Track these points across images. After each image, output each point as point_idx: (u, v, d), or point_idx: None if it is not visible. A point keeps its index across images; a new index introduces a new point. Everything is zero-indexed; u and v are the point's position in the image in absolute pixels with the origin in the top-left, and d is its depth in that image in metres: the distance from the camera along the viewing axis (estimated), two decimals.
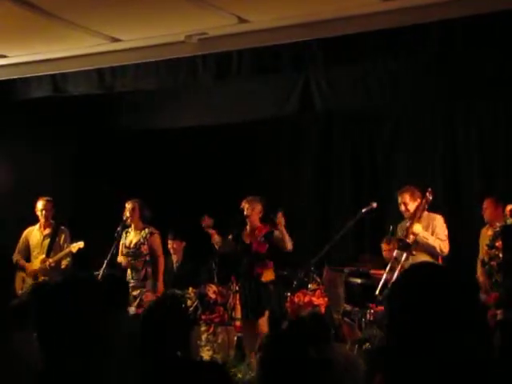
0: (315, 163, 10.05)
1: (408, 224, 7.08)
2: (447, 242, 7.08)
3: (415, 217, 7.06)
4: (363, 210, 7.46)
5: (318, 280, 7.84)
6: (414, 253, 6.96)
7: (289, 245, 7.55)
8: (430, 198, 7.13)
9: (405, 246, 7.00)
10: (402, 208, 7.18)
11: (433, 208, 8.82)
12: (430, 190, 7.16)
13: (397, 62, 7.87)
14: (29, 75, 8.23)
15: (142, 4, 6.65)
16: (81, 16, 6.92)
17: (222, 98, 9.11)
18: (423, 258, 6.96)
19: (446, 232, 7.12)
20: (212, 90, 9.05)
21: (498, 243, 6.85)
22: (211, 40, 7.18)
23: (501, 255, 6.76)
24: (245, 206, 7.80)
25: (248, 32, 7.03)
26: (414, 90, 8.57)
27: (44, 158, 9.75)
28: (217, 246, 7.86)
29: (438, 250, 7.01)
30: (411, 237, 7.00)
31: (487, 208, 7.64)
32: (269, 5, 6.63)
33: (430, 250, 7.00)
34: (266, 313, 7.52)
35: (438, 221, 7.15)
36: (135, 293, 7.72)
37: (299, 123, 9.92)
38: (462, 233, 8.67)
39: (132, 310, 7.70)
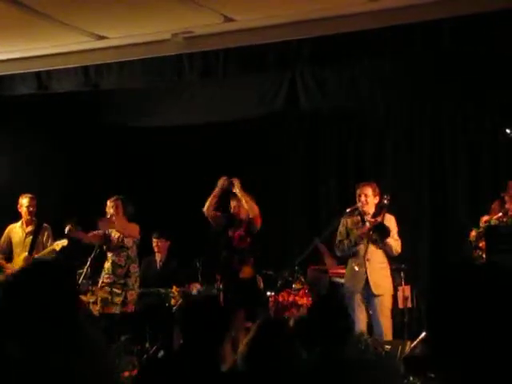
0: (302, 163, 10.05)
1: (368, 218, 7.19)
2: (399, 241, 7.23)
3: (380, 215, 7.18)
4: (348, 210, 7.47)
5: (302, 280, 7.84)
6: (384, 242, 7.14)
7: (252, 210, 7.65)
8: (386, 202, 7.22)
9: (383, 232, 7.07)
10: (363, 199, 7.22)
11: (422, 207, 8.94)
12: (388, 196, 7.25)
13: (384, 62, 7.89)
14: (13, 72, 8.19)
15: (128, 2, 6.64)
16: (66, 13, 6.89)
17: (208, 97, 9.09)
18: (376, 253, 7.17)
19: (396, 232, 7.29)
20: (198, 88, 9.03)
21: (482, 244, 6.88)
22: (197, 39, 7.18)
23: (484, 256, 6.79)
24: (232, 203, 7.86)
25: (234, 31, 7.03)
26: (401, 90, 8.58)
27: (29, 155, 9.70)
28: (208, 213, 7.90)
29: (394, 250, 7.18)
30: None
31: (494, 208, 7.63)
32: (255, 4, 6.63)
33: (385, 249, 7.18)
34: (242, 311, 7.55)
35: (393, 221, 7.28)
36: (116, 290, 7.66)
37: (286, 122, 9.91)
38: (448, 233, 8.72)
39: (117, 309, 7.67)
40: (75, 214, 9.24)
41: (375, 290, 7.07)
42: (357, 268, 7.15)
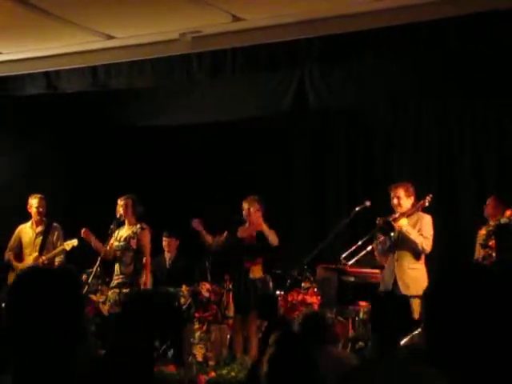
0: (310, 162, 10.04)
1: (396, 215, 7.05)
2: (431, 240, 6.98)
3: (405, 214, 7.01)
4: (357, 209, 7.44)
5: (312, 279, 7.84)
6: (392, 235, 6.96)
7: (274, 240, 7.70)
8: (427, 204, 7.05)
9: (387, 228, 6.95)
10: (395, 202, 7.03)
11: (427, 208, 8.88)
12: (430, 195, 7.08)
13: (391, 61, 7.88)
14: (22, 72, 8.22)
15: (136, 1, 6.66)
16: (75, 13, 6.92)
17: (217, 97, 9.10)
18: (405, 254, 6.98)
19: (432, 232, 7.03)
20: (206, 88, 9.03)
21: (491, 242, 6.87)
22: (205, 38, 7.19)
23: (494, 254, 6.78)
24: (244, 205, 7.87)
25: (242, 30, 7.04)
26: (409, 89, 8.58)
27: (37, 154, 9.73)
28: (208, 245, 7.97)
29: (420, 247, 6.93)
30: (396, 227, 6.97)
31: (489, 204, 7.66)
32: (263, 3, 6.64)
33: (411, 245, 6.94)
34: (254, 313, 7.59)
35: (426, 219, 7.06)
36: (125, 290, 7.66)
37: (293, 122, 9.90)
38: (457, 233, 8.70)
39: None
40: (84, 215, 9.31)
41: (404, 291, 6.84)
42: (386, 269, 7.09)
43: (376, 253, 7.30)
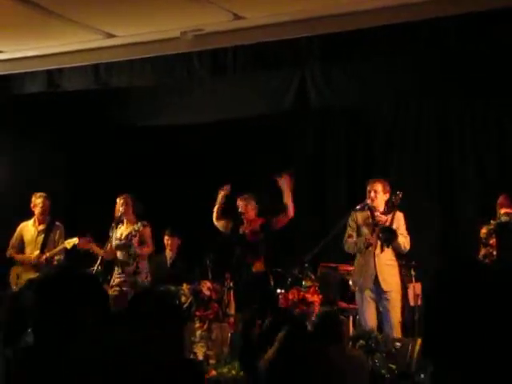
0: (310, 161, 10.03)
1: (378, 214, 7.18)
2: (408, 238, 7.18)
3: (392, 216, 7.13)
4: (357, 207, 7.46)
5: (313, 277, 7.83)
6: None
7: (291, 210, 7.78)
8: (397, 200, 7.16)
9: (390, 236, 7.05)
10: (372, 195, 7.21)
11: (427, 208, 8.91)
12: (400, 193, 7.17)
13: (392, 60, 7.89)
14: (23, 70, 8.22)
15: (137, 0, 6.67)
16: (76, 11, 6.94)
17: (217, 95, 9.09)
18: (387, 253, 7.11)
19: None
20: (207, 87, 9.03)
21: (492, 241, 6.88)
22: (207, 36, 7.20)
23: (495, 253, 6.78)
24: (240, 203, 7.91)
25: (244, 28, 7.06)
26: (410, 88, 8.58)
27: (39, 154, 9.74)
28: (216, 222, 8.08)
29: (403, 247, 7.13)
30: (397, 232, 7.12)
31: (501, 203, 7.60)
32: (264, 1, 6.66)
33: (395, 246, 7.11)
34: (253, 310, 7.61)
35: (401, 218, 7.24)
36: (126, 289, 7.66)
37: (294, 121, 9.89)
38: (457, 232, 8.71)
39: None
40: (84, 214, 9.31)
41: (384, 286, 7.03)
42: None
43: (346, 246, 7.38)
